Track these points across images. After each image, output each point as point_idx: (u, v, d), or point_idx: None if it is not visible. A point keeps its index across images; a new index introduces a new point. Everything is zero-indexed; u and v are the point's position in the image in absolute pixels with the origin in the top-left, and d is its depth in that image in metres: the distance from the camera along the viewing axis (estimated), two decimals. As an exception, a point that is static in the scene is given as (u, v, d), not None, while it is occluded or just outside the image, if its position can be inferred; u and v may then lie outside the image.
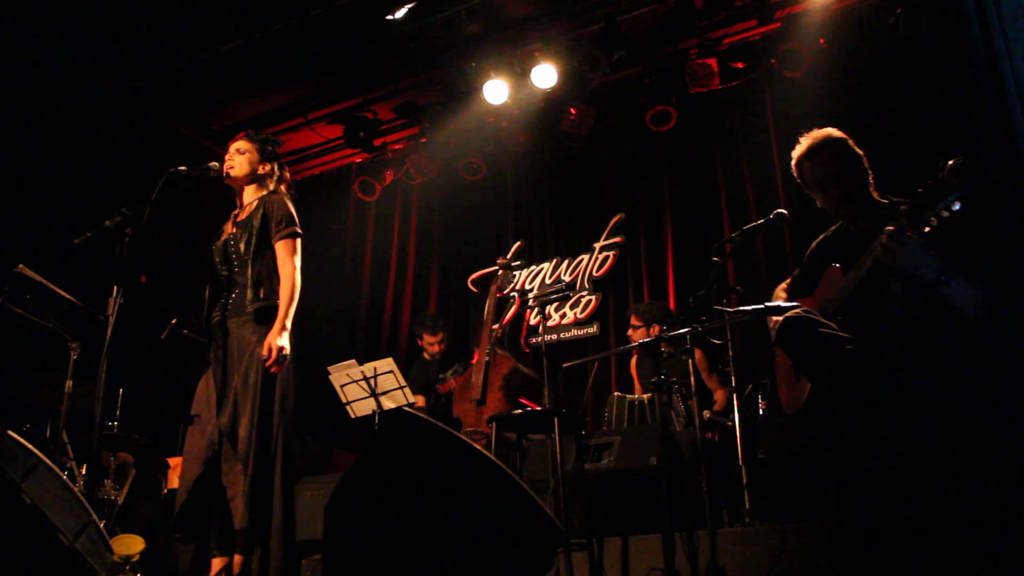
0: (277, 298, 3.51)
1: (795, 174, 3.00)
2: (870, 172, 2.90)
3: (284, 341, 3.43)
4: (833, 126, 3.00)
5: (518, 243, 7.10)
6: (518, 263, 5.74)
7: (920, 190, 2.48)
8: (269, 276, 3.55)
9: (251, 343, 3.45)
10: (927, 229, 2.45)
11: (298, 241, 3.61)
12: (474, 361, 5.44)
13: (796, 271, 3.14)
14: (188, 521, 3.36)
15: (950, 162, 2.44)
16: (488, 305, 5.60)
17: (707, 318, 3.42)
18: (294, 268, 3.55)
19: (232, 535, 3.32)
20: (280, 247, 3.57)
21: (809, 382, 2.78)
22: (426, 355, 6.08)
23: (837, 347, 2.58)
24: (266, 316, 3.48)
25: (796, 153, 2.96)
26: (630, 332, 5.52)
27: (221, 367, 3.46)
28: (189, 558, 3.32)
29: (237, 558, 3.32)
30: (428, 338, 6.04)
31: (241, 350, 3.46)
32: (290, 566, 3.32)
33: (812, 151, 2.90)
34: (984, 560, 2.40)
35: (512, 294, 6.97)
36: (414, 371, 6.07)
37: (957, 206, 2.40)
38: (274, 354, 3.38)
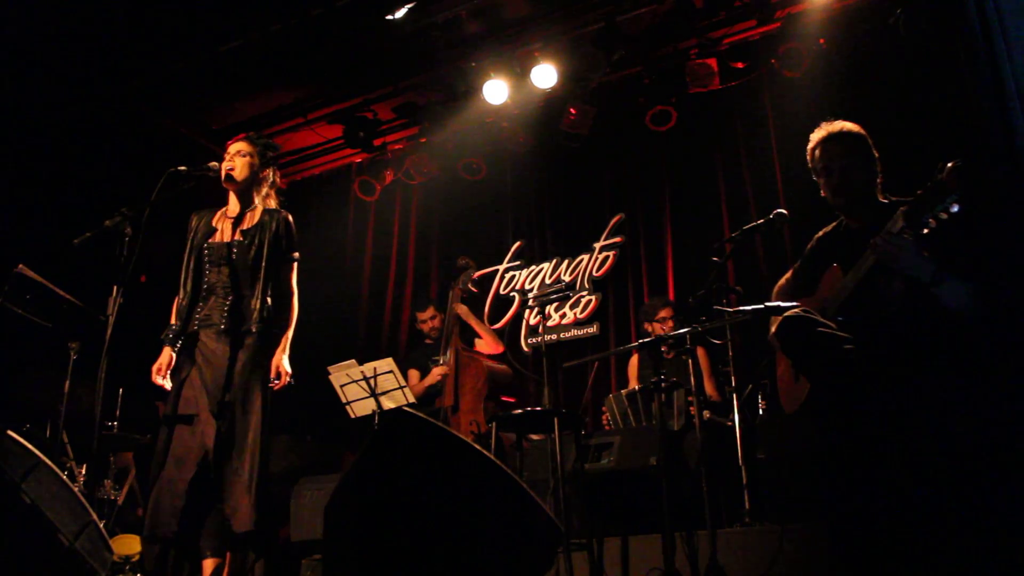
0: (283, 320, 3.66)
1: (808, 158, 3.01)
2: (879, 175, 2.90)
3: (288, 365, 3.63)
4: (834, 126, 3.00)
5: (518, 243, 7.10)
6: (471, 267, 5.72)
7: (919, 192, 2.49)
8: (275, 295, 3.64)
9: (252, 351, 3.49)
10: (926, 231, 2.46)
11: (296, 264, 3.80)
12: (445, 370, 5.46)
13: (797, 264, 3.14)
14: (184, 521, 3.35)
15: (948, 164, 2.45)
16: (449, 309, 5.62)
17: (707, 318, 3.43)
18: (294, 292, 3.75)
19: (225, 537, 3.31)
20: (287, 270, 3.73)
21: (808, 381, 2.79)
22: (428, 340, 6.08)
23: (836, 346, 2.58)
24: (268, 333, 3.56)
25: (815, 136, 2.97)
26: (658, 326, 5.40)
27: (215, 372, 3.44)
28: (154, 557, 3.31)
29: (229, 558, 3.33)
30: (419, 316, 6.05)
31: (240, 362, 3.46)
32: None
33: (829, 137, 2.92)
34: (983, 559, 2.40)
35: (512, 294, 6.98)
36: (414, 351, 6.12)
37: (956, 208, 2.41)
38: (284, 378, 3.58)
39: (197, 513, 3.34)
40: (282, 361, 3.60)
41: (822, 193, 2.98)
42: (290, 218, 3.77)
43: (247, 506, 3.28)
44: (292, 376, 3.62)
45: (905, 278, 2.57)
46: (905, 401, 2.55)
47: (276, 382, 3.57)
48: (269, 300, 3.57)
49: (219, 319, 3.52)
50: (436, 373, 5.51)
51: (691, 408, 4.80)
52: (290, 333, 3.69)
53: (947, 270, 2.49)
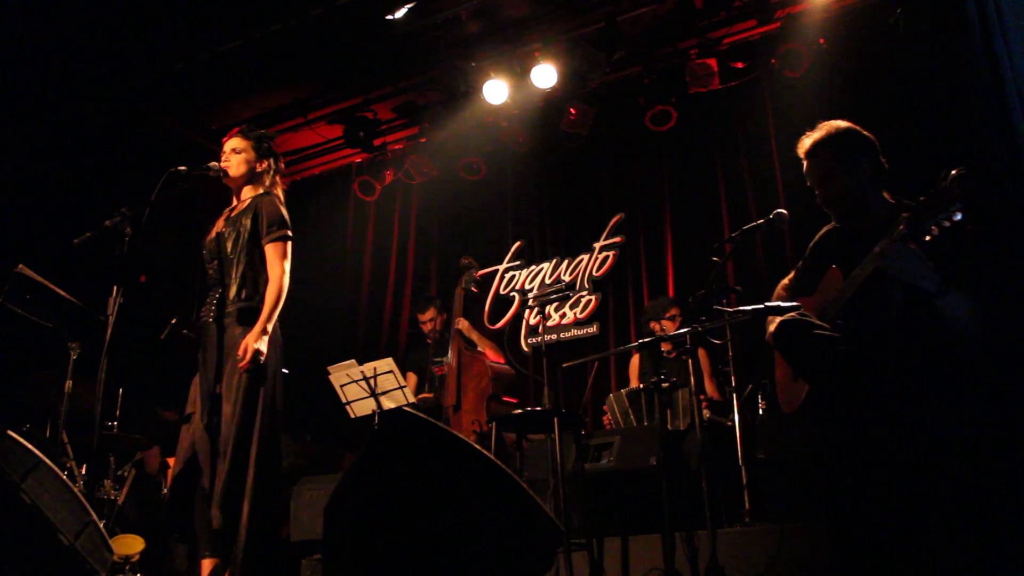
0: (260, 300, 3.45)
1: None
2: (877, 170, 2.84)
3: (262, 344, 3.35)
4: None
5: (518, 243, 7.10)
6: (474, 267, 5.70)
7: (922, 198, 2.46)
8: (255, 277, 3.49)
9: (236, 344, 3.39)
10: (927, 238, 2.43)
11: (289, 244, 3.54)
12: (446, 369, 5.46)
13: (800, 263, 3.14)
14: (178, 520, 3.36)
15: (952, 172, 2.41)
16: (455, 307, 5.62)
17: (707, 318, 3.42)
18: (283, 271, 3.47)
19: (220, 536, 3.30)
20: (270, 249, 3.50)
21: (807, 383, 2.79)
22: (428, 340, 6.07)
23: (831, 348, 2.58)
24: (248, 317, 3.42)
25: (798, 150, 2.95)
26: (668, 324, 5.38)
27: (205, 367, 3.42)
28: (185, 558, 3.32)
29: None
30: (420, 317, 6.05)
31: (225, 351, 3.42)
32: (273, 569, 3.29)
33: (809, 152, 2.89)
34: (982, 560, 2.40)
35: (512, 294, 6.98)
36: (413, 353, 6.13)
37: (958, 216, 2.38)
38: (248, 355, 3.31)
39: (191, 513, 3.34)
40: (251, 340, 3.31)
41: None
42: (276, 198, 3.60)
43: (218, 505, 3.23)
44: (260, 353, 3.32)
45: (906, 287, 2.55)
46: (903, 402, 2.55)
47: (241, 362, 3.31)
48: (247, 283, 3.45)
49: (207, 313, 3.51)
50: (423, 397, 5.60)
51: (701, 407, 4.81)
52: (268, 313, 3.38)
53: (951, 282, 2.46)
